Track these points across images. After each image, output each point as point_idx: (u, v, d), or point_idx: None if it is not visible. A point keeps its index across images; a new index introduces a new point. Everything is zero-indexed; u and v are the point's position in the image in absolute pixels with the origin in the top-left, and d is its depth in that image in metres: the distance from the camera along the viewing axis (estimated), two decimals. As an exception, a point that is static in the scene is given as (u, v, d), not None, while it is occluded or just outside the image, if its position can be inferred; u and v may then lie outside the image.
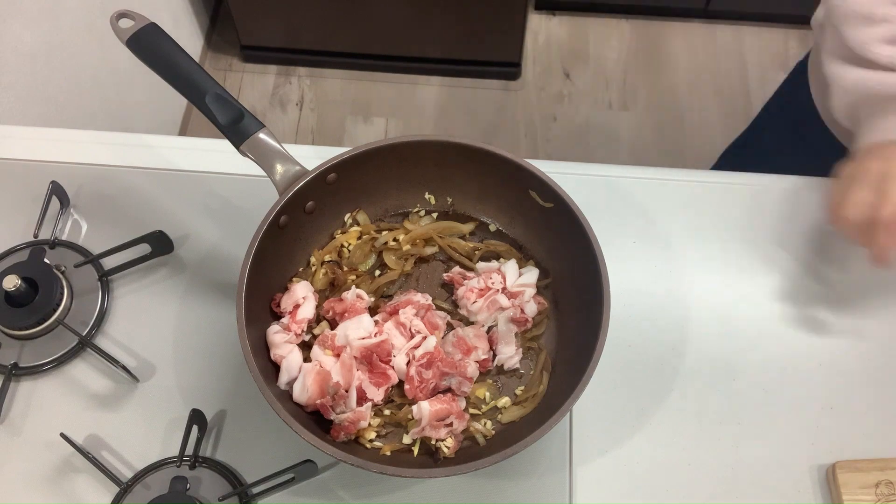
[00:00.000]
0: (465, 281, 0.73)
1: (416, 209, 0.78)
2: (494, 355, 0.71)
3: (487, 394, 0.70)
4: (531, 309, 0.72)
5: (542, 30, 2.17)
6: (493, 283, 0.72)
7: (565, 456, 0.70)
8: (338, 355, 0.68)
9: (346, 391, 0.66)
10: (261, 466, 0.68)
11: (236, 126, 0.68)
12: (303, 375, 0.66)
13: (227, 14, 1.99)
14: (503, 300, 0.71)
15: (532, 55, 2.12)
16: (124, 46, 0.69)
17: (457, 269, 0.75)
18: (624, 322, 0.74)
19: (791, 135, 1.00)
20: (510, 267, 0.73)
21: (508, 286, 0.72)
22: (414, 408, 0.66)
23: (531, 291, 0.72)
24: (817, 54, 0.92)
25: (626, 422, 0.72)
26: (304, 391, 0.65)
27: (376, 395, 0.67)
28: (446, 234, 0.77)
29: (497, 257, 0.76)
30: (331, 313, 0.71)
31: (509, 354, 0.70)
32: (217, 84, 0.68)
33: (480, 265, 0.74)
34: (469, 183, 0.76)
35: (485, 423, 0.68)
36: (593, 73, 2.09)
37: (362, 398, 0.67)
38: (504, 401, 0.70)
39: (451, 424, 0.66)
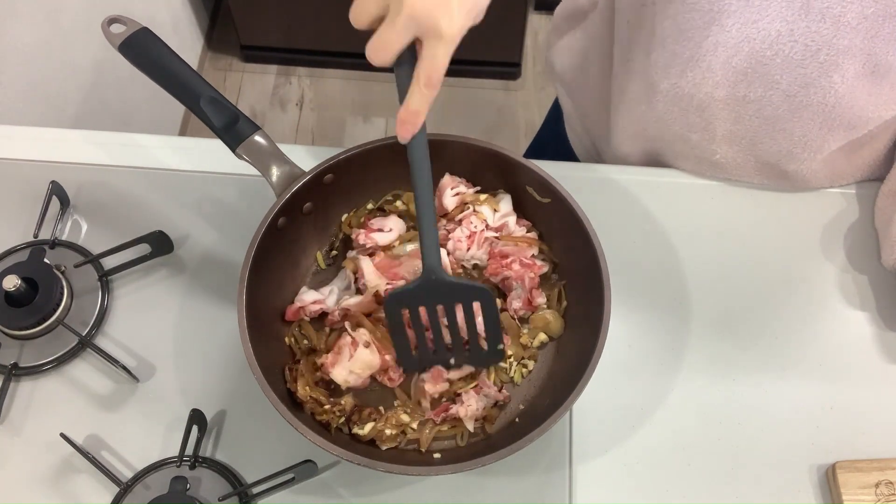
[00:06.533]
0: (450, 235, 0.74)
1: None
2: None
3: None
4: (520, 233, 0.74)
5: (542, 30, 2.17)
6: (475, 227, 0.73)
7: (565, 455, 0.70)
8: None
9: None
10: (261, 466, 0.68)
11: (231, 129, 0.68)
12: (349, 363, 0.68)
13: (227, 14, 1.99)
14: (493, 236, 0.74)
15: (532, 55, 2.12)
16: (120, 50, 0.69)
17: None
18: (624, 321, 0.74)
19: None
20: (484, 209, 0.75)
21: (492, 224, 0.74)
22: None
23: (513, 219, 0.74)
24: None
25: (626, 422, 0.72)
26: (355, 377, 0.69)
27: None
28: None
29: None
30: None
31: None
32: (211, 87, 0.68)
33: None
34: (467, 181, 0.76)
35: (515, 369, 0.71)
36: (593, 72, 2.09)
37: None
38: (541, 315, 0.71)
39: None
